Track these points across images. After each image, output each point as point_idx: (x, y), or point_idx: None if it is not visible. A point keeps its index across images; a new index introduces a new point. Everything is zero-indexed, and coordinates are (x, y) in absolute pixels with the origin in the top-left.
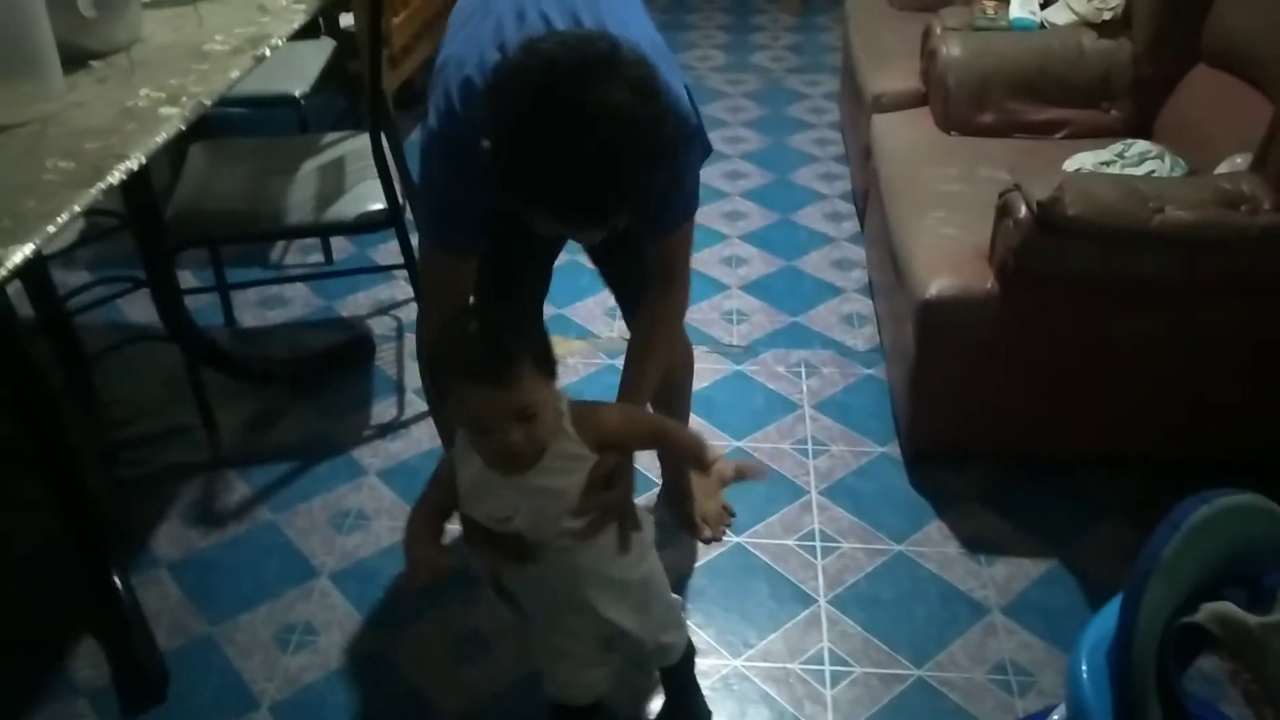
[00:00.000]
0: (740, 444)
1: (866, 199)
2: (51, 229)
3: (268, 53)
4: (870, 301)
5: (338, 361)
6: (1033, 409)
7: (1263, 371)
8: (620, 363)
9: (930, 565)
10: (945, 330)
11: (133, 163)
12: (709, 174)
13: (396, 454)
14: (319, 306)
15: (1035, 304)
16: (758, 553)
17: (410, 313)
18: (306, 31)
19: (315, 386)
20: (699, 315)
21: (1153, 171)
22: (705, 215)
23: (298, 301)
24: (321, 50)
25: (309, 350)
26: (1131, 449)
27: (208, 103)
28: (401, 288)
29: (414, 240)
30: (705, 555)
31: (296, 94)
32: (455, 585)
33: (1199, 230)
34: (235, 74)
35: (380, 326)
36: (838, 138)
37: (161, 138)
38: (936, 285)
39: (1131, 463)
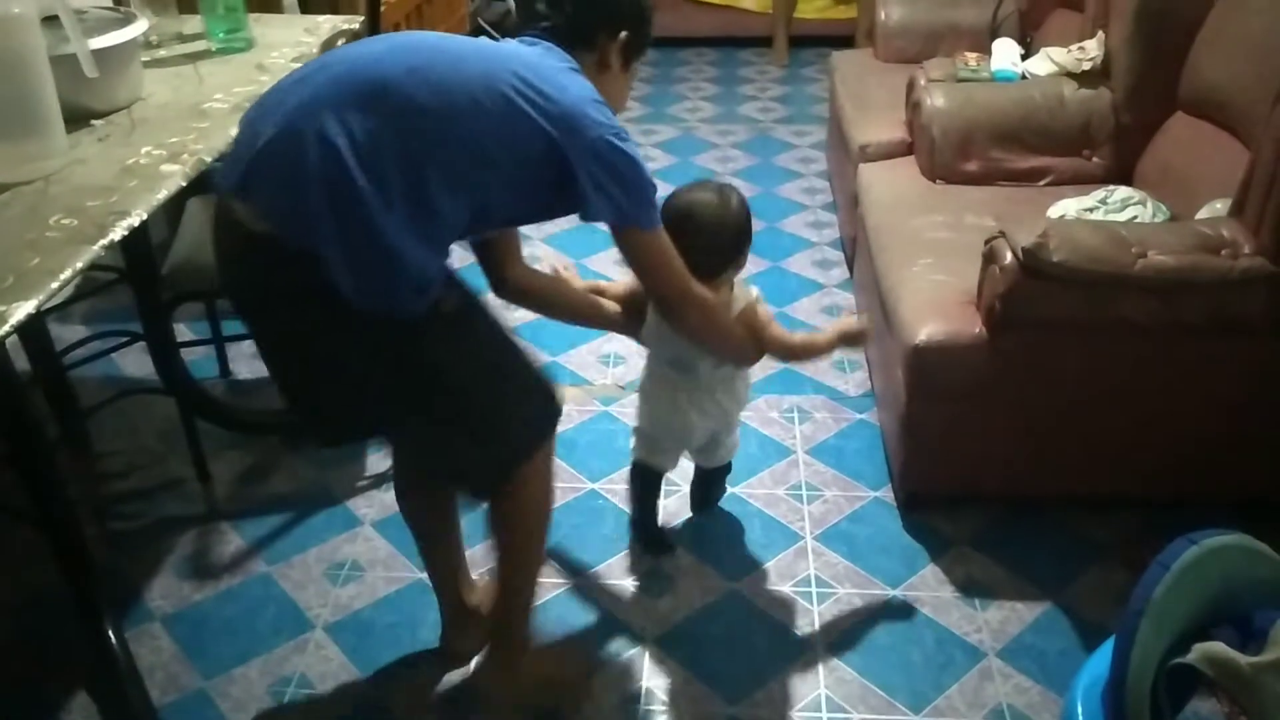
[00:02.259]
0: (735, 490)
1: (855, 246)
2: (54, 285)
3: None
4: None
5: None
6: (1023, 452)
7: (1248, 410)
8: (615, 409)
9: (925, 610)
10: (935, 375)
11: (134, 219)
12: None
13: (391, 504)
14: None
15: (1023, 348)
16: (754, 598)
17: None
18: None
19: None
20: None
21: (1135, 217)
22: None
23: None
24: None
25: None
26: (1121, 490)
27: (208, 160)
28: None
29: None
30: (702, 600)
31: None
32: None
33: (1181, 274)
34: (235, 131)
35: None
36: (826, 186)
37: (163, 195)
38: (925, 331)
39: (1122, 503)
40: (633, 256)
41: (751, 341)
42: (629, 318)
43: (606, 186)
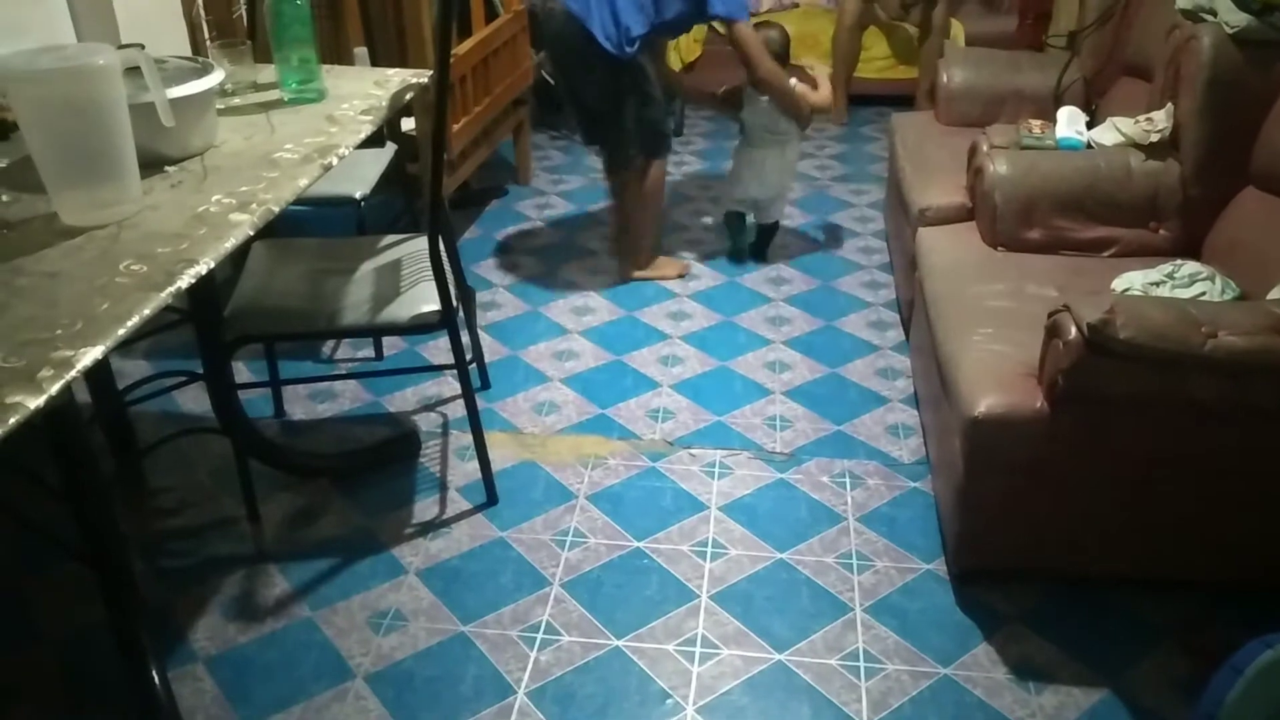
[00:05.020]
0: (783, 555)
1: (911, 309)
2: (121, 331)
3: (335, 161)
4: (915, 412)
5: (382, 457)
6: (1083, 529)
7: None
8: (662, 465)
9: (978, 691)
10: (994, 448)
11: (201, 268)
12: (755, 280)
13: (437, 553)
14: (367, 401)
15: (1085, 424)
16: (800, 672)
17: (456, 410)
18: (371, 137)
19: (359, 482)
20: (741, 419)
21: (1203, 293)
22: (749, 320)
23: (347, 395)
24: (383, 155)
25: (355, 445)
26: (1184, 572)
27: (276, 210)
28: (449, 385)
29: (465, 339)
30: (747, 673)
31: (357, 196)
32: (490, 688)
33: (1253, 357)
34: (303, 182)
35: (426, 423)
36: (882, 246)
37: (231, 243)
38: (985, 403)
39: (1184, 586)
40: (736, 42)
41: (801, 102)
42: (726, 103)
43: None
